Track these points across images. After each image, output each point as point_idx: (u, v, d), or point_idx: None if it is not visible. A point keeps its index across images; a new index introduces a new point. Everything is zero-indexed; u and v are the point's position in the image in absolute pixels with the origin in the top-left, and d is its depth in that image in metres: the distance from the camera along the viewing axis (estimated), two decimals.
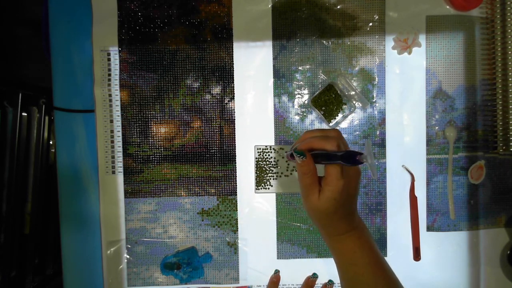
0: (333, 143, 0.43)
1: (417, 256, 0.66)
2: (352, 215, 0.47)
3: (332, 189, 0.44)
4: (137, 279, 0.66)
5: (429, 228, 0.66)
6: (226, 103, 0.66)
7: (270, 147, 0.66)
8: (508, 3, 0.61)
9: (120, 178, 0.66)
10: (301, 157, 0.45)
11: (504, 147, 0.63)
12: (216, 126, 0.66)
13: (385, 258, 0.66)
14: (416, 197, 0.65)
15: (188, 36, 0.65)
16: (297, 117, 0.66)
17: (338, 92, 0.64)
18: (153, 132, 0.66)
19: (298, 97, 0.66)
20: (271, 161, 0.65)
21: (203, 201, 0.66)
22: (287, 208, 0.66)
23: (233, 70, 0.65)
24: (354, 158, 0.39)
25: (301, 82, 0.65)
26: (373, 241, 0.49)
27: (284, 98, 0.66)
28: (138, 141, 0.66)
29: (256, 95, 0.66)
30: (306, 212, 0.48)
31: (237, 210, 0.66)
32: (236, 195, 0.66)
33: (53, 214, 1.05)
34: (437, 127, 0.66)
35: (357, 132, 0.66)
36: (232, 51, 0.65)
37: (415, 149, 0.66)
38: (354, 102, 0.65)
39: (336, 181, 0.43)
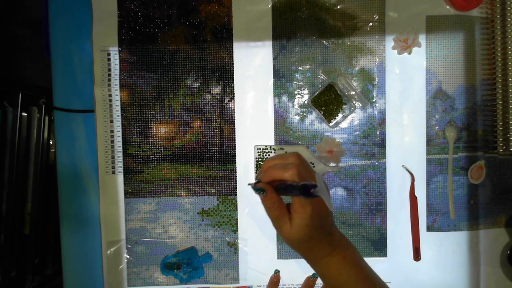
0: (292, 172, 0.42)
1: (417, 256, 0.66)
2: (331, 235, 0.46)
3: (301, 216, 0.42)
4: (137, 279, 0.66)
5: (429, 228, 0.66)
6: (226, 103, 0.66)
7: (270, 147, 0.66)
8: (508, 3, 0.61)
9: (120, 178, 0.66)
10: (262, 193, 0.44)
11: (504, 147, 0.63)
12: (216, 126, 0.66)
13: (385, 258, 0.66)
14: (416, 197, 0.65)
15: (188, 36, 0.65)
16: (297, 117, 0.66)
17: (338, 92, 0.64)
18: (153, 132, 0.66)
19: (298, 97, 0.66)
20: None
21: (203, 201, 0.66)
22: None
23: (233, 70, 0.65)
24: (309, 191, 0.39)
25: (301, 82, 0.65)
26: (359, 257, 0.47)
27: (284, 98, 0.66)
28: (138, 141, 0.66)
29: (256, 95, 0.66)
30: (285, 242, 0.47)
31: (237, 210, 0.66)
32: (236, 195, 0.66)
33: (53, 214, 1.05)
34: (437, 127, 0.66)
35: (357, 132, 0.66)
36: (232, 51, 0.65)
37: (415, 149, 0.66)
38: (354, 102, 0.65)
39: (303, 208, 0.42)
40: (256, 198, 0.66)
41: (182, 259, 0.66)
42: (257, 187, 0.44)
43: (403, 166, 0.66)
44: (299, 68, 0.65)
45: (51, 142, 1.03)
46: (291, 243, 0.45)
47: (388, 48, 0.65)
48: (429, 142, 0.66)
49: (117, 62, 0.65)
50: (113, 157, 0.65)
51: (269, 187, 0.44)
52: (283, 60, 0.65)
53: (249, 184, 0.49)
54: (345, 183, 0.66)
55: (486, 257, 0.67)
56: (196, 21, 0.65)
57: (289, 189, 0.42)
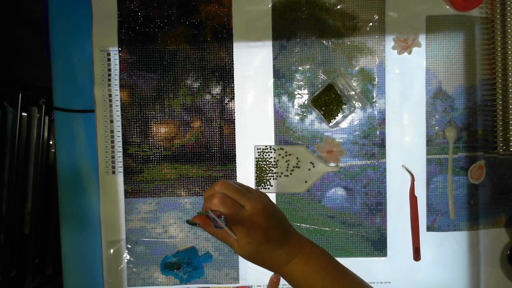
0: (216, 201, 0.42)
1: (417, 256, 0.66)
2: (284, 245, 0.44)
3: (239, 236, 0.43)
4: (137, 279, 0.66)
5: (429, 228, 0.66)
6: (226, 103, 0.66)
7: (270, 147, 0.66)
8: (508, 3, 0.61)
9: (120, 178, 0.66)
10: (196, 225, 0.46)
11: (504, 147, 0.63)
12: (216, 126, 0.66)
13: (385, 258, 0.66)
14: (416, 197, 0.65)
15: (188, 36, 0.65)
16: (297, 117, 0.66)
17: (338, 92, 0.64)
18: (153, 132, 0.66)
19: (298, 97, 0.66)
20: (271, 161, 0.65)
21: (203, 201, 0.66)
22: (287, 208, 0.66)
23: (233, 70, 0.65)
24: (215, 223, 0.42)
25: (301, 82, 0.65)
26: (326, 259, 0.46)
27: (284, 98, 0.66)
28: (138, 141, 0.66)
29: (256, 95, 0.66)
30: None
31: None
32: None
33: (53, 214, 1.05)
34: (437, 127, 0.66)
35: (357, 132, 0.66)
36: (232, 51, 0.65)
37: (415, 149, 0.66)
38: (354, 102, 0.65)
39: (236, 229, 0.43)
40: None
41: (182, 259, 0.65)
42: (190, 221, 0.47)
43: (403, 166, 0.66)
44: (299, 68, 0.65)
45: (51, 142, 1.03)
46: (248, 259, 0.45)
47: (388, 48, 0.65)
48: (429, 142, 0.66)
49: (117, 62, 0.65)
50: (113, 157, 0.65)
51: (199, 219, 0.46)
52: (283, 60, 0.65)
53: (186, 222, 0.51)
54: (345, 183, 0.66)
55: (486, 257, 0.67)
56: (196, 21, 0.65)
57: (212, 220, 0.43)
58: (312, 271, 0.44)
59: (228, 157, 0.66)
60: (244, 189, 0.46)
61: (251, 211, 0.43)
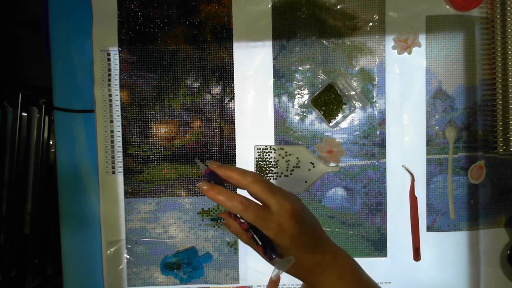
0: (237, 207, 0.37)
1: (417, 256, 0.66)
2: (318, 253, 0.41)
3: (267, 232, 0.38)
4: (137, 279, 0.66)
5: (429, 228, 0.66)
6: (226, 103, 0.66)
7: (270, 147, 0.66)
8: (508, 3, 0.61)
9: (120, 178, 0.66)
10: (220, 220, 0.42)
11: (504, 147, 0.63)
12: (216, 126, 0.66)
13: (385, 258, 0.66)
14: (416, 197, 0.65)
15: (188, 36, 0.65)
16: (297, 117, 0.66)
17: (338, 92, 0.64)
18: (153, 132, 0.66)
19: (298, 97, 0.66)
20: (271, 161, 0.65)
21: (203, 201, 0.66)
22: None
23: (233, 70, 0.65)
24: (271, 256, 0.38)
25: (301, 82, 0.65)
26: (358, 273, 0.43)
27: (284, 98, 0.66)
28: (138, 141, 0.66)
29: (256, 95, 0.66)
30: None
31: None
32: None
33: (53, 214, 1.05)
34: (437, 127, 0.66)
35: (357, 132, 0.66)
36: (232, 51, 0.65)
37: (415, 149, 0.66)
38: (354, 102, 0.65)
39: (266, 231, 0.38)
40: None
41: (182, 259, 0.65)
42: (214, 217, 0.43)
43: (403, 166, 0.66)
44: (299, 68, 0.65)
45: (51, 142, 1.03)
46: (291, 257, 0.41)
47: (388, 48, 0.65)
48: (429, 142, 0.66)
49: (117, 62, 0.65)
50: (113, 157, 0.65)
51: (226, 215, 0.41)
52: (283, 60, 0.65)
53: (210, 218, 0.44)
54: (345, 183, 0.66)
55: (486, 257, 0.67)
56: (196, 21, 0.65)
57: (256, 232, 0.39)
58: (344, 286, 0.41)
59: (228, 157, 0.66)
60: (275, 187, 0.41)
61: (278, 213, 0.38)
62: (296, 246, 0.39)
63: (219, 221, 0.42)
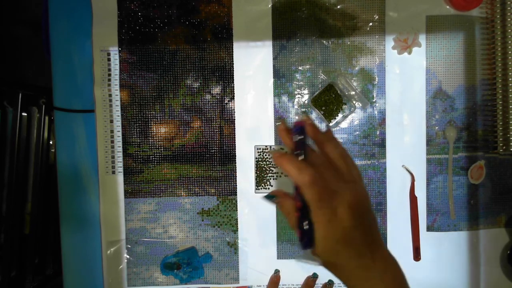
0: (306, 180, 0.35)
1: (417, 256, 0.66)
2: (368, 257, 0.37)
3: (319, 225, 0.36)
4: (137, 279, 0.66)
5: (429, 228, 0.66)
6: (226, 103, 0.66)
7: (270, 147, 0.66)
8: (508, 3, 0.61)
9: (120, 178, 0.66)
10: (273, 199, 0.39)
11: (504, 147, 0.63)
12: (216, 126, 0.66)
13: None
14: (416, 197, 0.65)
15: (188, 36, 0.65)
16: (297, 117, 0.66)
17: (338, 92, 0.64)
18: (153, 132, 0.66)
19: (298, 97, 0.66)
20: (271, 161, 0.65)
21: (203, 201, 0.66)
22: None
23: (233, 70, 0.65)
24: (305, 243, 0.35)
25: (301, 82, 0.65)
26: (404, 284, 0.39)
27: (284, 98, 0.66)
28: (138, 141, 0.66)
29: (256, 95, 0.66)
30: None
31: (237, 210, 0.66)
32: (236, 195, 0.66)
33: (53, 214, 1.05)
34: (437, 127, 0.66)
35: (357, 132, 0.66)
36: (232, 51, 0.65)
37: (415, 149, 0.66)
38: (354, 102, 0.65)
39: (317, 216, 0.36)
40: (256, 198, 0.66)
41: (182, 259, 0.65)
42: (268, 195, 0.40)
43: (403, 166, 0.66)
44: (299, 68, 0.65)
45: (51, 142, 1.03)
46: (322, 259, 0.38)
47: (388, 48, 0.65)
48: (429, 142, 0.66)
49: (117, 62, 0.65)
50: (113, 157, 0.65)
51: (281, 193, 0.39)
52: (283, 60, 0.65)
53: (263, 197, 0.41)
54: None
55: (486, 257, 0.67)
56: (196, 21, 0.65)
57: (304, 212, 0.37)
58: None
59: (228, 157, 0.66)
60: (346, 169, 0.38)
61: (339, 200, 0.35)
62: (345, 241, 0.36)
63: (273, 199, 0.39)
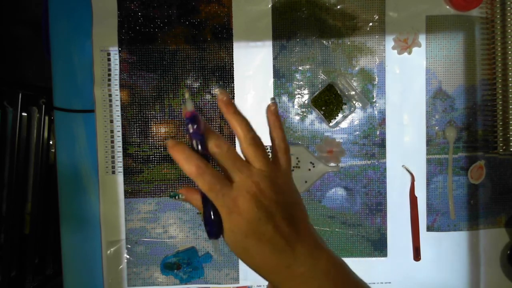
0: (192, 171, 0.32)
1: (417, 256, 0.65)
2: (288, 251, 0.32)
3: (224, 218, 0.32)
4: (137, 279, 0.66)
5: (429, 228, 0.66)
6: None
7: (270, 147, 0.65)
8: (508, 3, 0.61)
9: (120, 178, 0.66)
10: (175, 197, 0.35)
11: (504, 147, 0.63)
12: (216, 126, 0.66)
13: (385, 258, 0.66)
14: (416, 197, 0.65)
15: (188, 36, 0.65)
16: (297, 117, 0.66)
17: (338, 92, 0.64)
18: (153, 132, 0.66)
19: (298, 97, 0.66)
20: None
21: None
22: None
23: (233, 70, 0.65)
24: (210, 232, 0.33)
25: (301, 82, 0.65)
26: (344, 277, 0.33)
27: (284, 98, 0.66)
28: (138, 141, 0.66)
29: (256, 95, 0.66)
30: None
31: None
32: None
33: (53, 214, 1.05)
34: (437, 127, 0.66)
35: (357, 132, 0.66)
36: (232, 51, 0.65)
37: (415, 149, 0.66)
38: (354, 102, 0.65)
39: (219, 208, 0.32)
40: None
41: (182, 259, 0.65)
42: (173, 193, 0.36)
43: (403, 166, 0.66)
44: (299, 68, 0.65)
45: (51, 142, 1.03)
46: (235, 253, 0.35)
47: (388, 48, 0.65)
48: (429, 142, 0.66)
49: (117, 62, 0.65)
50: (113, 157, 0.65)
51: (185, 189, 0.36)
52: (283, 60, 0.65)
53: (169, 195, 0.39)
54: (345, 183, 0.66)
55: (486, 257, 0.67)
56: (196, 21, 0.65)
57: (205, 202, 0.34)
58: None
59: None
60: (253, 154, 0.35)
61: (237, 190, 0.32)
62: (254, 236, 0.32)
63: (176, 197, 0.35)
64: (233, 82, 0.65)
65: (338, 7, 0.64)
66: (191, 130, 0.33)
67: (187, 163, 0.31)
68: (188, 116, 0.33)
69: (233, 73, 0.65)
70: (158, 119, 0.65)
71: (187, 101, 0.34)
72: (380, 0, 0.64)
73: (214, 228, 0.33)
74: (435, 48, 0.65)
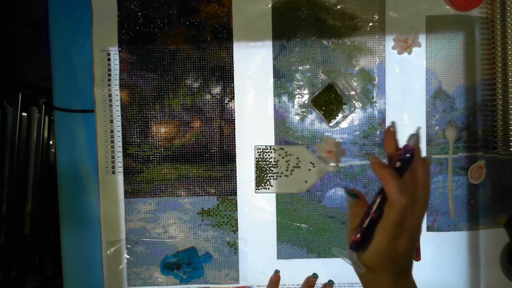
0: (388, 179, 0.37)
1: (417, 256, 0.65)
2: (405, 276, 0.41)
3: (379, 240, 0.38)
4: (137, 279, 0.66)
5: (429, 228, 0.66)
6: (226, 103, 0.66)
7: (270, 147, 0.66)
8: (508, 3, 0.61)
9: (120, 178, 0.66)
10: (354, 198, 0.42)
11: (504, 147, 0.63)
12: (216, 126, 0.66)
13: None
14: None
15: (188, 36, 0.65)
16: (297, 117, 0.66)
17: (338, 92, 0.64)
18: (153, 132, 0.66)
19: (298, 97, 0.66)
20: (271, 161, 0.65)
21: (203, 201, 0.66)
22: (287, 208, 0.66)
23: (233, 70, 0.65)
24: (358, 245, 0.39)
25: (301, 82, 0.65)
26: None
27: (284, 98, 0.66)
28: (138, 141, 0.66)
29: (256, 95, 0.66)
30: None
31: (237, 210, 0.66)
32: (236, 195, 0.66)
33: (53, 214, 1.05)
34: (437, 127, 0.66)
35: (357, 132, 0.66)
36: (232, 51, 0.65)
37: None
38: (354, 102, 0.65)
39: (384, 236, 0.38)
40: (256, 198, 0.66)
41: (182, 259, 0.66)
42: (351, 191, 0.43)
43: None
44: (299, 68, 0.65)
45: (51, 142, 1.03)
46: (362, 264, 0.41)
47: (388, 48, 0.65)
48: (429, 142, 0.66)
49: (117, 62, 0.65)
50: (113, 157, 0.65)
51: (363, 196, 0.42)
52: (283, 60, 0.65)
53: (345, 191, 0.45)
54: (345, 183, 0.66)
55: (486, 257, 0.67)
56: (196, 21, 0.65)
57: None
58: None
59: (228, 157, 0.66)
60: (423, 201, 0.40)
61: (407, 231, 0.38)
62: (392, 262, 0.39)
63: (355, 198, 0.42)
64: (233, 82, 0.65)
65: (338, 7, 0.64)
66: (406, 157, 0.39)
67: (401, 194, 0.37)
68: (411, 149, 0.39)
69: (233, 73, 0.65)
70: (158, 119, 0.65)
71: (416, 135, 0.40)
72: (380, 0, 0.64)
73: (365, 246, 0.40)
74: (435, 48, 0.65)
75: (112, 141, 0.65)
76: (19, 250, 0.96)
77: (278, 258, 0.66)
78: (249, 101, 0.66)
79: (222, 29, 0.65)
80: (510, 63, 0.61)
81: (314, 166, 0.65)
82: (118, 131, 0.65)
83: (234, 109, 0.65)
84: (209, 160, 0.66)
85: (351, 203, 0.42)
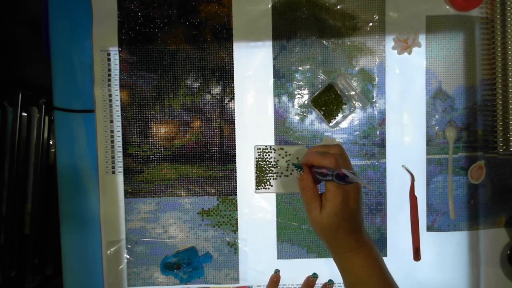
0: (330, 160, 0.45)
1: (417, 256, 0.66)
2: (358, 231, 0.47)
3: (331, 204, 0.45)
4: (137, 279, 0.66)
5: (429, 228, 0.66)
6: (226, 103, 0.66)
7: (270, 147, 0.66)
8: (508, 3, 0.61)
9: (120, 178, 0.66)
10: (299, 170, 0.48)
11: (504, 147, 0.63)
12: (216, 126, 0.66)
13: (385, 258, 0.66)
14: (416, 197, 0.65)
15: (188, 36, 0.65)
16: (297, 117, 0.66)
17: (338, 92, 0.64)
18: (153, 132, 0.66)
19: (298, 97, 0.66)
20: (271, 161, 0.65)
21: (203, 201, 0.66)
22: (287, 208, 0.66)
23: (233, 70, 0.65)
24: (344, 179, 0.42)
25: (301, 82, 0.65)
26: (382, 260, 0.49)
27: (284, 98, 0.66)
28: (138, 141, 0.66)
29: (256, 95, 0.66)
30: (312, 228, 0.50)
31: (237, 210, 0.66)
32: (236, 195, 0.66)
33: (53, 214, 1.05)
34: (437, 127, 0.66)
35: (357, 132, 0.66)
36: (232, 51, 0.65)
37: (415, 149, 0.66)
38: (354, 102, 0.65)
39: (334, 196, 0.45)
40: (256, 198, 0.66)
41: (182, 259, 0.66)
42: (297, 164, 0.48)
43: (403, 166, 0.66)
44: (299, 68, 0.65)
45: (51, 142, 1.03)
46: (317, 229, 0.47)
47: (388, 48, 0.65)
48: (429, 142, 0.66)
49: (117, 62, 0.65)
50: (113, 157, 0.65)
51: (307, 168, 0.48)
52: (283, 60, 0.65)
53: (292, 163, 0.52)
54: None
55: (486, 257, 0.67)
56: (196, 21, 0.65)
57: (325, 174, 0.45)
58: (372, 264, 0.47)
59: (228, 157, 0.66)
60: (349, 163, 0.50)
61: (351, 186, 0.45)
62: (350, 219, 0.46)
63: (299, 170, 0.48)
64: (233, 82, 0.65)
65: (338, 7, 0.64)
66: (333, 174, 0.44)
67: (324, 158, 0.46)
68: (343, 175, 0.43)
69: (233, 73, 0.65)
70: (158, 119, 0.65)
71: (293, 164, 0.50)
72: (380, 0, 0.64)
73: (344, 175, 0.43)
74: (435, 48, 0.65)
75: (112, 141, 0.65)
76: (19, 250, 0.96)
77: (278, 258, 0.66)
78: (249, 101, 0.66)
79: (222, 29, 0.65)
80: (510, 63, 0.61)
81: None
82: (118, 131, 0.65)
83: (234, 109, 0.65)
84: (209, 160, 0.66)
85: (298, 177, 0.48)
